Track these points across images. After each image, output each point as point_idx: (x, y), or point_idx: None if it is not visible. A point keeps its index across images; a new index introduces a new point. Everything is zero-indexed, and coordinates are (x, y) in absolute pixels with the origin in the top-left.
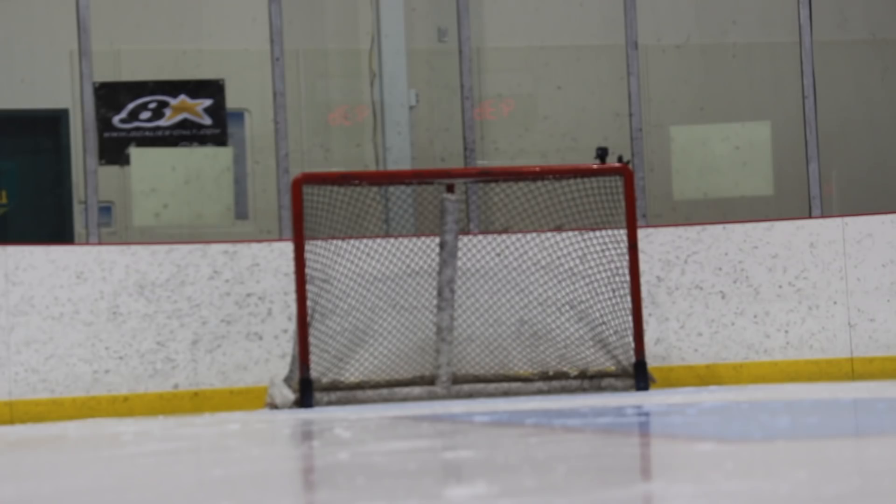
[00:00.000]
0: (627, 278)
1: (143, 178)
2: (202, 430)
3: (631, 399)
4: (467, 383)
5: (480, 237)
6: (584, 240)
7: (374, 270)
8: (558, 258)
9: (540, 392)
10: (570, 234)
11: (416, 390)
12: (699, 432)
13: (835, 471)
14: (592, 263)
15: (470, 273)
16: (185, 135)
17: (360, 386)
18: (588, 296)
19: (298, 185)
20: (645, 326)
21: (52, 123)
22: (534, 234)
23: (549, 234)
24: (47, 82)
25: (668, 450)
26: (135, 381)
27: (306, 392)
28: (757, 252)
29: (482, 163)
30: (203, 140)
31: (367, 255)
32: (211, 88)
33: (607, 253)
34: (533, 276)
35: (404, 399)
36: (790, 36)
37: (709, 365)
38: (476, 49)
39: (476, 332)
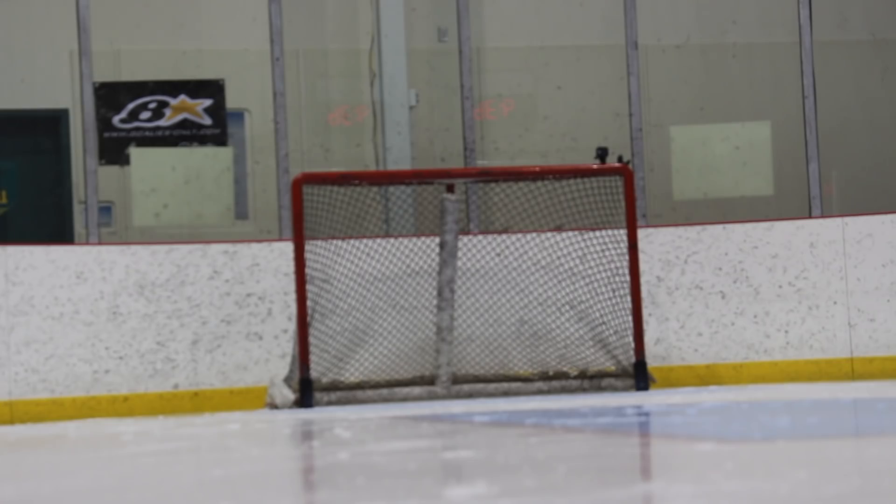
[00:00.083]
0: (627, 278)
1: (143, 178)
2: (202, 430)
3: (631, 399)
4: (467, 383)
5: (480, 237)
6: (584, 240)
7: (374, 270)
8: (558, 258)
9: (540, 392)
10: (570, 234)
11: (416, 390)
12: (699, 432)
13: (835, 471)
14: (592, 263)
15: (470, 273)
16: (185, 135)
17: (360, 386)
18: (588, 296)
19: (298, 185)
20: (645, 326)
21: (52, 123)
22: (534, 234)
23: (549, 234)
24: (47, 82)
25: (668, 450)
26: (135, 381)
27: (306, 392)
28: (757, 252)
29: (482, 163)
30: (203, 140)
31: (367, 255)
32: (211, 88)
33: (607, 253)
34: (533, 276)
35: (404, 399)
36: (790, 36)
37: (709, 365)
38: (476, 49)
39: (476, 332)
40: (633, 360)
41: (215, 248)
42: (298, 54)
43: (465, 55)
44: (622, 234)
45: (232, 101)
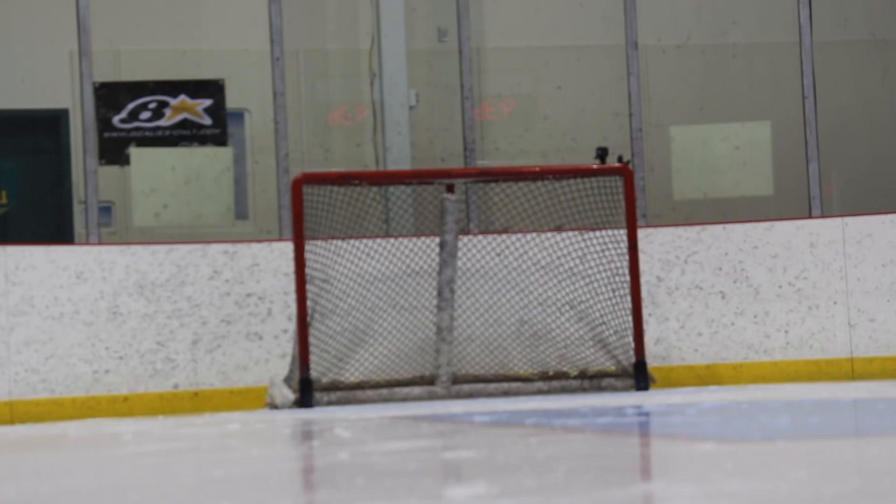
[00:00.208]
0: (627, 278)
1: (143, 178)
2: (202, 430)
3: (631, 399)
4: (467, 383)
5: (480, 237)
6: (584, 240)
7: (374, 270)
8: (558, 258)
9: (540, 392)
10: (570, 234)
11: (416, 390)
12: (699, 432)
13: (835, 471)
14: (592, 263)
15: (470, 273)
16: (185, 135)
17: (360, 386)
18: (588, 296)
19: (298, 185)
20: (645, 326)
21: (52, 123)
22: (534, 234)
23: (549, 234)
24: (47, 82)
25: (668, 450)
26: (135, 381)
27: (306, 392)
28: (757, 252)
29: (482, 163)
30: (203, 140)
31: (367, 255)
32: (211, 88)
33: (607, 253)
34: (533, 276)
35: (404, 399)
36: (790, 36)
37: (709, 365)
38: (476, 49)
39: (476, 332)
40: (633, 360)
41: (215, 248)
42: (298, 54)
43: (465, 55)
44: (622, 234)
45: (232, 101)
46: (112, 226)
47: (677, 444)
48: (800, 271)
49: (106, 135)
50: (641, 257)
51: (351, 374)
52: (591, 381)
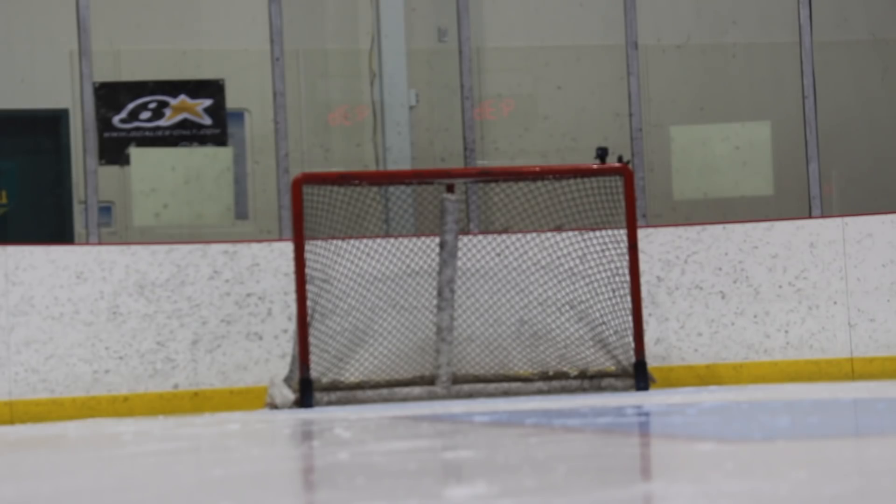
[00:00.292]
0: (627, 278)
1: (143, 178)
2: (202, 430)
3: (631, 399)
4: (467, 383)
5: (480, 237)
6: (584, 240)
7: (374, 270)
8: (558, 258)
9: (540, 392)
10: (570, 234)
11: (416, 390)
12: (699, 432)
13: (835, 471)
14: (592, 263)
15: (470, 273)
16: (185, 135)
17: (360, 386)
18: (588, 296)
19: (298, 185)
20: (645, 326)
21: (52, 123)
22: (534, 234)
23: (549, 234)
24: (47, 82)
25: (668, 450)
26: (135, 381)
27: (306, 392)
28: (757, 252)
29: (482, 163)
30: (203, 140)
31: (367, 255)
32: (211, 88)
33: (607, 253)
34: (533, 276)
35: (404, 399)
36: (790, 36)
37: (709, 365)
38: (476, 49)
39: (476, 332)
40: (633, 360)
41: (215, 248)
42: (298, 54)
43: (465, 55)
44: (622, 234)
45: (232, 101)
46: (112, 226)
47: (677, 444)
48: (800, 271)
49: (106, 135)
50: (641, 257)
51: (351, 374)
52: (591, 381)
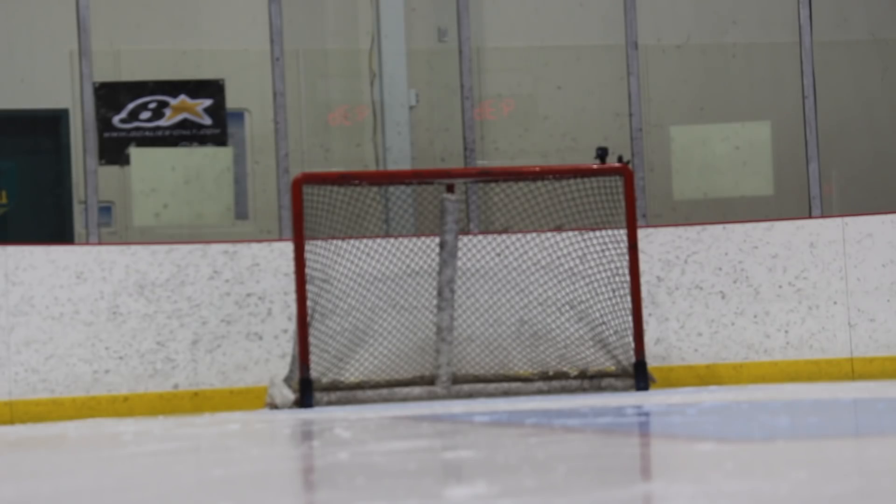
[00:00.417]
0: (627, 278)
1: (143, 178)
2: (202, 430)
3: (631, 399)
4: (467, 383)
5: (480, 237)
6: (584, 240)
7: (374, 270)
8: (558, 258)
9: (540, 392)
10: (570, 234)
11: (416, 390)
12: (699, 432)
13: (835, 471)
14: (592, 263)
15: (470, 273)
16: (185, 135)
17: (360, 386)
18: (588, 296)
19: (298, 185)
20: (645, 326)
21: (52, 123)
22: (534, 234)
23: (549, 234)
24: (47, 82)
25: (668, 450)
26: (135, 381)
27: (306, 392)
28: (757, 252)
29: (482, 163)
30: (203, 140)
31: (367, 255)
32: (211, 88)
33: (607, 253)
34: (533, 276)
35: (404, 399)
36: (790, 36)
37: (709, 365)
38: (476, 49)
39: (476, 332)
40: (633, 360)
41: (215, 248)
42: (298, 54)
43: (465, 55)
44: (622, 234)
45: (232, 101)
46: (112, 226)
47: (677, 444)
48: (800, 271)
49: (106, 135)
50: (641, 257)
51: (351, 374)
52: (591, 381)
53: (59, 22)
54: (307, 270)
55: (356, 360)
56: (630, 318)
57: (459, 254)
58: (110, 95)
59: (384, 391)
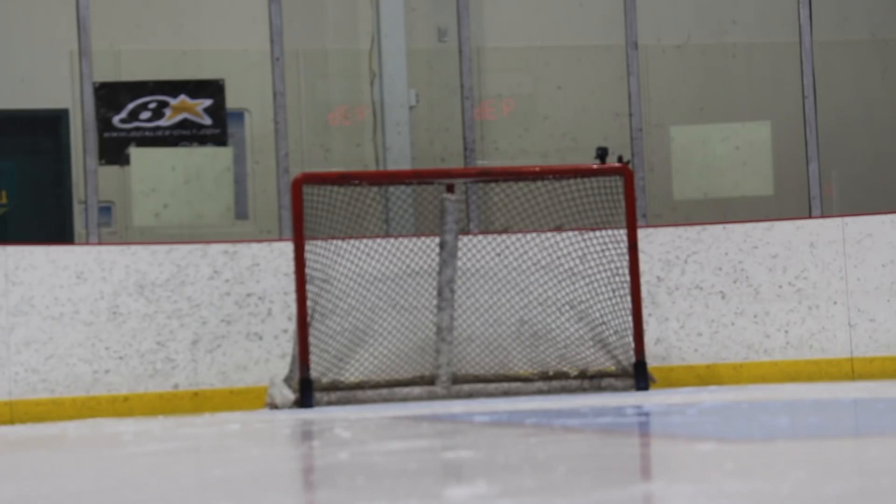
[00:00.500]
0: (627, 278)
1: (143, 178)
2: (202, 430)
3: (631, 399)
4: (467, 383)
5: (480, 237)
6: (584, 240)
7: (374, 270)
8: (558, 258)
9: (540, 392)
10: (570, 234)
11: (416, 390)
12: (699, 432)
13: (835, 471)
14: (592, 263)
15: (470, 273)
16: (185, 135)
17: (360, 386)
18: (588, 296)
19: (298, 185)
20: (645, 326)
21: (52, 123)
22: (534, 234)
23: (549, 234)
24: (47, 82)
25: (668, 450)
26: (135, 381)
27: (306, 392)
28: (757, 252)
29: (482, 163)
30: (203, 140)
31: (367, 255)
32: (211, 88)
33: (607, 253)
34: (533, 276)
35: (404, 399)
36: (790, 36)
37: (709, 365)
38: (476, 49)
39: (476, 332)
40: (633, 360)
41: (215, 248)
42: (298, 54)
43: (465, 55)
44: (622, 234)
45: (232, 101)
46: (112, 226)
47: (677, 444)
48: (800, 271)
49: (106, 135)
50: (641, 257)
51: (351, 374)
52: (591, 381)
53: (59, 22)
54: (307, 270)
55: (356, 360)
56: (630, 318)
57: (459, 254)
58: (110, 95)
59: (384, 391)
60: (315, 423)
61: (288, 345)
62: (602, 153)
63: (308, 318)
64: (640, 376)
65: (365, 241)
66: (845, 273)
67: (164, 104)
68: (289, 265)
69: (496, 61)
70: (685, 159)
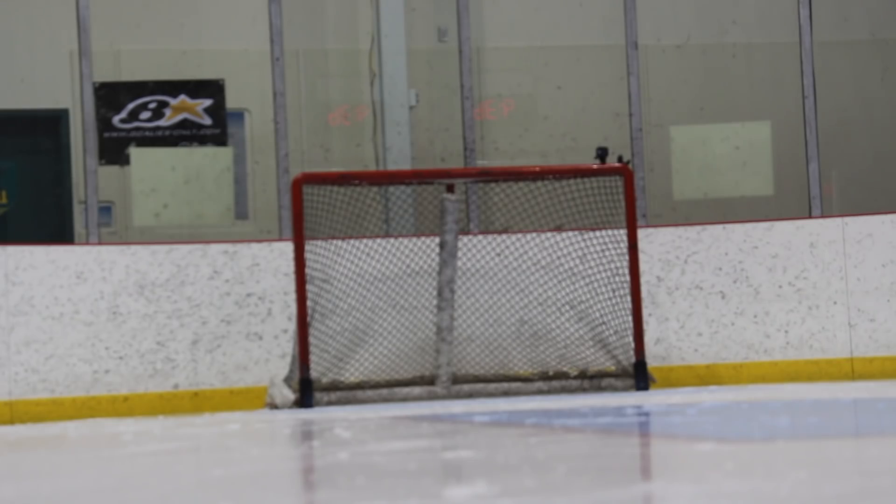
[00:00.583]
0: (627, 278)
1: (143, 178)
2: (202, 430)
3: (631, 399)
4: (467, 383)
5: (480, 237)
6: (584, 240)
7: (374, 270)
8: (558, 258)
9: (540, 392)
10: (570, 234)
11: (416, 390)
12: (699, 432)
13: (835, 471)
14: (592, 263)
15: (470, 273)
16: (185, 135)
17: (360, 386)
18: (588, 296)
19: (298, 185)
20: (645, 326)
21: (52, 123)
22: (534, 234)
23: (549, 234)
24: (47, 82)
25: (668, 450)
26: (135, 381)
27: (306, 392)
28: (757, 252)
29: (482, 163)
30: (203, 140)
31: (367, 255)
32: (211, 88)
33: (607, 253)
34: (533, 276)
35: (404, 399)
36: (790, 36)
37: (709, 365)
38: (476, 49)
39: (476, 332)
40: (633, 360)
41: (215, 248)
42: (298, 54)
43: (465, 55)
44: (622, 234)
45: (232, 101)
46: (112, 226)
47: (677, 444)
48: (800, 271)
49: (106, 135)
50: (641, 257)
51: (351, 374)
52: (591, 381)
53: (59, 22)
54: (307, 270)
55: (356, 360)
56: (630, 318)
57: (459, 254)
58: (110, 95)
59: (384, 391)
60: (315, 423)
61: (288, 345)
62: (602, 153)
63: (308, 318)
64: (640, 376)
65: (365, 241)
66: (845, 273)
67: (164, 104)
68: (289, 265)
69: (496, 61)
70: (685, 159)
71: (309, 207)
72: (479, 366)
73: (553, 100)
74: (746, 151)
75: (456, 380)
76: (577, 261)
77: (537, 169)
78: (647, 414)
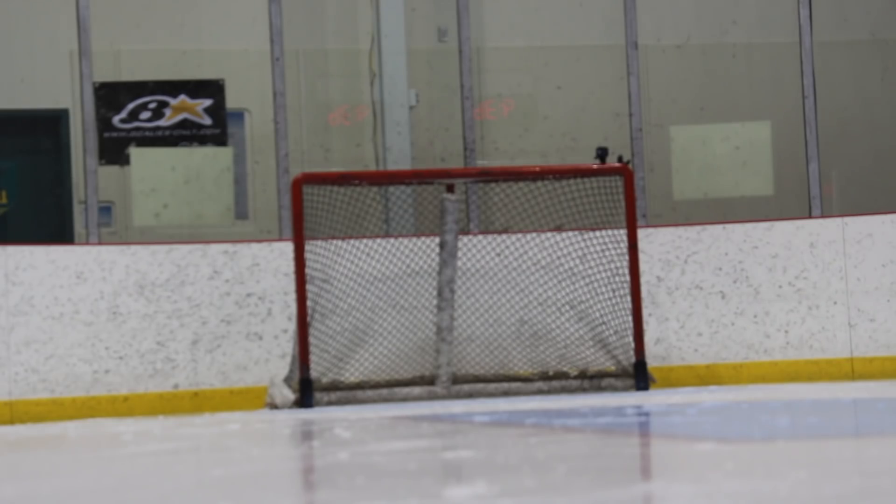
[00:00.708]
0: (627, 278)
1: (143, 178)
2: (202, 430)
3: (631, 399)
4: (467, 383)
5: (480, 237)
6: (584, 240)
7: (374, 270)
8: (558, 258)
9: (540, 392)
10: (570, 234)
11: (416, 390)
12: (699, 432)
13: (835, 471)
14: (592, 263)
15: (470, 273)
16: (185, 135)
17: (360, 386)
18: (588, 296)
19: (298, 185)
20: (645, 326)
21: (52, 123)
22: (534, 234)
23: (549, 234)
24: (47, 82)
25: (668, 450)
26: (135, 381)
27: (306, 392)
28: (757, 252)
29: (482, 163)
30: (203, 140)
31: (367, 255)
32: (211, 88)
33: (607, 253)
34: (533, 276)
35: (404, 399)
36: (790, 36)
37: (709, 365)
38: (476, 49)
39: (476, 332)
40: (633, 360)
41: (215, 248)
42: (298, 54)
43: (465, 55)
44: (622, 234)
45: (232, 101)
46: (112, 226)
47: (677, 444)
48: (800, 271)
49: (106, 135)
50: (641, 257)
51: (351, 374)
52: (591, 381)
53: (59, 22)
54: (307, 270)
55: (356, 360)
56: (630, 318)
57: (459, 254)
58: (110, 95)
59: (384, 391)
60: (315, 423)
61: (288, 345)
62: (602, 153)
63: (308, 318)
64: (640, 376)
65: (365, 241)
66: (845, 273)
67: (164, 104)
68: (289, 265)
69: (496, 61)
70: (685, 159)
71: (309, 207)
72: (479, 366)
73: (553, 100)
74: (746, 151)
75: (456, 380)
76: (577, 261)
77: (537, 169)
78: (647, 414)
